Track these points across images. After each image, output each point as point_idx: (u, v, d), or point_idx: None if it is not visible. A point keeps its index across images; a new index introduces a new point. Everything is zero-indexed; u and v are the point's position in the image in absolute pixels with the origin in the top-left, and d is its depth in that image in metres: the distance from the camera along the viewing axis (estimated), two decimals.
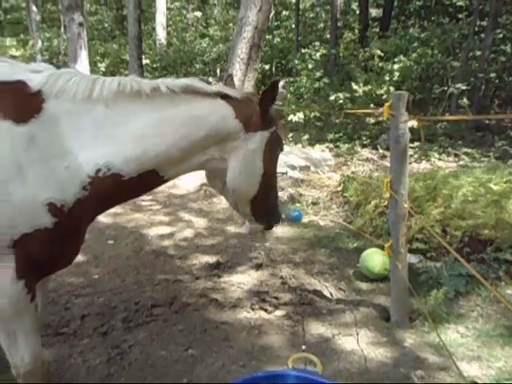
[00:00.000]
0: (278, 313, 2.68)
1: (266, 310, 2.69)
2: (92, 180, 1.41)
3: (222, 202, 4.82)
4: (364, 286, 3.05)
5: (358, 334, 2.46)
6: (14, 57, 16.50)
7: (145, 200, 4.91)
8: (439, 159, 6.86)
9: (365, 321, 2.60)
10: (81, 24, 8.49)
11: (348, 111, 6.65)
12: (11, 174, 1.30)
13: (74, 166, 1.38)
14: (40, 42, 16.09)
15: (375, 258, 3.06)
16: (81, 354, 2.25)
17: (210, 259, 3.43)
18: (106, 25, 19.85)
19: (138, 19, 10.99)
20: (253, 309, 2.70)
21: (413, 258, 3.20)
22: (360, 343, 2.37)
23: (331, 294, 2.92)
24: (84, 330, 2.45)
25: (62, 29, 15.10)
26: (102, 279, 3.08)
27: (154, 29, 17.24)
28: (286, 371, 1.70)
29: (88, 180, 1.41)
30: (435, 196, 3.61)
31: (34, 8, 15.98)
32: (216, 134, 1.58)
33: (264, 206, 1.79)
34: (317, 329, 2.51)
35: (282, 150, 1.81)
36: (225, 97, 1.59)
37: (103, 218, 4.09)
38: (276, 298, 2.84)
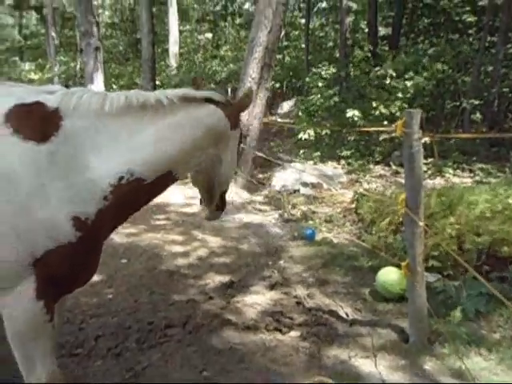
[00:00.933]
0: (293, 334, 2.63)
1: (280, 331, 2.65)
2: (113, 188, 1.47)
3: (235, 220, 4.82)
4: (380, 306, 2.98)
5: (375, 357, 2.39)
6: (31, 80, 17.07)
7: (158, 219, 4.94)
8: (454, 175, 6.78)
9: (382, 342, 2.53)
10: (97, 48, 8.77)
11: (360, 129, 6.67)
12: (36, 191, 1.34)
13: (96, 178, 1.44)
14: (58, 66, 16.65)
15: (391, 277, 3.00)
16: (94, 375, 2.24)
17: (224, 278, 3.41)
18: (121, 48, 20.46)
19: (152, 42, 11.29)
20: (267, 329, 2.66)
21: (430, 277, 3.12)
22: (378, 366, 2.31)
23: (347, 315, 2.86)
24: (98, 350, 2.45)
25: (79, 53, 15.60)
26: (116, 299, 3.08)
27: (166, 51, 17.70)
28: None
29: (110, 189, 1.47)
30: (450, 212, 3.55)
31: (53, 34, 16.61)
32: (214, 133, 1.73)
33: (225, 193, 2.05)
34: (333, 350, 2.46)
35: (241, 143, 2.05)
36: (210, 100, 1.72)
37: (117, 237, 4.12)
38: (291, 318, 2.79)
